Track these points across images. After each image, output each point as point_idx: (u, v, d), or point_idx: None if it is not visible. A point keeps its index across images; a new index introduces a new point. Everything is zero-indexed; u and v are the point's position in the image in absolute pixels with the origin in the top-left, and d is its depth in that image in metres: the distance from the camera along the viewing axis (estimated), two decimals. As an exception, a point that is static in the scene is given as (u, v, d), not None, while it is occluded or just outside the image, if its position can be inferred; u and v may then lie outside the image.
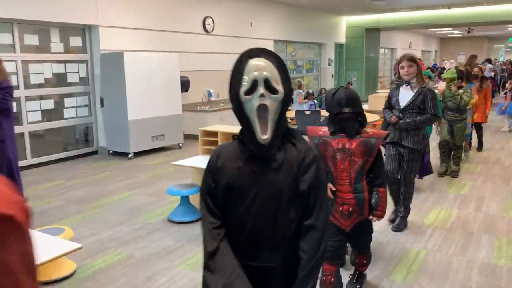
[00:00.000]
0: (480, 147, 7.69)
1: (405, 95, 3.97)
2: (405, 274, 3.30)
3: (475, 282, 3.18)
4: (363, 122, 2.62)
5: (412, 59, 3.89)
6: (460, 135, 5.82)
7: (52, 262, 2.95)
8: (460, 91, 5.64)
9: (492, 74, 13.16)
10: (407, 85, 3.94)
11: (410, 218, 4.30)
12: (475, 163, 6.76)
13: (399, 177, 4.10)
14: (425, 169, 5.44)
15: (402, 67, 3.97)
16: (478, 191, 5.38)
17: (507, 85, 12.85)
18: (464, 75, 6.06)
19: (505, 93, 10.59)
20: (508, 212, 4.64)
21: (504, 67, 17.98)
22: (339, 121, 2.61)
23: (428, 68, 19.65)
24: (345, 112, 2.55)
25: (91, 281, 3.28)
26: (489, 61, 15.17)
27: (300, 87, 10.98)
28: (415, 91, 3.87)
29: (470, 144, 7.28)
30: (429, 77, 4.54)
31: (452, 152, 6.00)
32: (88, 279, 3.32)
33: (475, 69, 7.41)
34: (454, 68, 6.56)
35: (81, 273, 3.40)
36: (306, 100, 10.48)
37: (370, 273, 3.29)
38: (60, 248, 2.69)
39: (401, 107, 3.95)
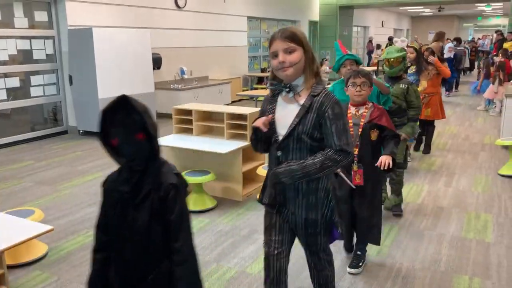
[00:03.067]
0: (427, 149, 6.09)
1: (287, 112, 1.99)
2: (379, 248, 3.36)
3: (445, 255, 3.28)
4: None
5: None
6: (401, 149, 3.73)
7: (23, 245, 2.87)
8: (403, 85, 3.86)
9: (451, 55, 11.82)
10: (288, 91, 1.95)
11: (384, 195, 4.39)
12: (445, 139, 6.92)
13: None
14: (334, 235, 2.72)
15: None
16: (448, 167, 5.52)
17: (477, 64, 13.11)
18: (418, 58, 5.35)
19: (479, 72, 10.78)
20: (477, 187, 4.78)
21: (468, 47, 16.11)
22: None
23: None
24: None
25: (64, 263, 3.22)
26: (458, 40, 13.80)
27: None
28: (301, 102, 1.91)
29: (418, 142, 6.15)
30: (357, 62, 3.31)
31: (389, 177, 4.05)
32: (60, 261, 3.25)
33: (425, 53, 6.16)
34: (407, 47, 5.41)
35: (54, 255, 3.33)
36: None
37: (344, 251, 3.34)
38: (31, 230, 2.62)
39: (279, 138, 1.97)
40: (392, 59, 3.86)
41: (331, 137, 1.87)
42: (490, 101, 9.54)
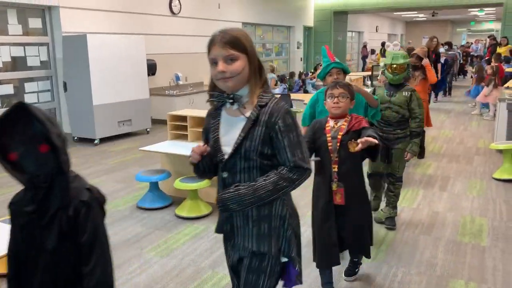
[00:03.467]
0: (421, 153, 6.11)
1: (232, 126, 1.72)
2: (375, 254, 3.36)
3: (441, 260, 3.27)
4: None
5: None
6: (402, 161, 3.71)
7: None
8: (406, 92, 3.64)
9: (443, 60, 12.04)
10: (232, 103, 1.67)
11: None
12: (440, 144, 6.94)
13: None
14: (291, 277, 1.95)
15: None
16: (443, 171, 5.53)
17: (470, 68, 13.17)
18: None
19: (471, 76, 10.85)
20: (472, 191, 4.79)
21: (460, 51, 16.22)
22: None
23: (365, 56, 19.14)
24: None
25: (58, 271, 3.18)
26: (449, 44, 13.78)
27: (273, 71, 10.95)
28: (247, 115, 1.65)
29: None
30: (344, 71, 3.14)
31: (386, 187, 3.93)
32: (54, 269, 3.21)
33: (411, 59, 5.57)
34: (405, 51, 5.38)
35: (47, 264, 3.29)
36: (278, 83, 10.50)
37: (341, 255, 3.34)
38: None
39: (224, 157, 1.69)
40: (396, 66, 3.61)
41: (284, 153, 1.59)
42: (484, 105, 9.61)
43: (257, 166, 1.62)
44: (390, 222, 3.82)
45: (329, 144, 2.58)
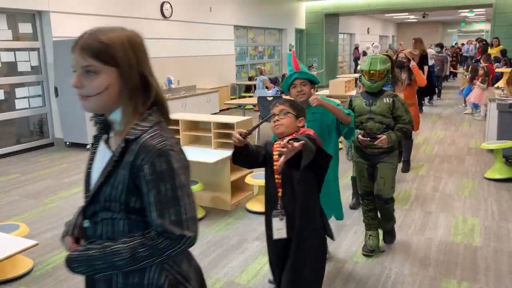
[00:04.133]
0: (406, 165, 5.57)
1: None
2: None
3: (434, 260, 3.29)
4: None
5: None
6: (390, 179, 3.22)
7: (8, 260, 2.82)
8: (387, 98, 3.19)
9: (432, 61, 10.91)
10: (101, 130, 1.36)
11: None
12: (432, 144, 6.98)
13: None
14: None
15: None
16: (435, 171, 5.56)
17: (461, 69, 13.23)
18: (392, 67, 4.44)
19: (465, 76, 10.90)
20: (464, 191, 4.82)
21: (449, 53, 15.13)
22: None
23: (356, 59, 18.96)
24: None
25: (50, 278, 3.16)
26: (441, 46, 13.39)
27: (261, 73, 10.96)
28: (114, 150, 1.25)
29: (406, 160, 5.61)
30: (311, 81, 2.81)
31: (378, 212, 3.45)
32: (46, 276, 3.20)
33: (401, 55, 5.52)
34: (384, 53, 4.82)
35: (39, 270, 3.27)
36: (272, 85, 10.52)
37: (333, 256, 3.34)
38: (15, 245, 2.58)
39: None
40: (374, 72, 3.13)
41: (150, 211, 1.18)
42: (475, 105, 9.69)
43: (123, 219, 1.22)
44: (389, 238, 3.54)
45: (275, 163, 2.16)
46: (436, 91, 11.91)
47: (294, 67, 2.79)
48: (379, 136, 3.07)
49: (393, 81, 4.60)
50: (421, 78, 5.45)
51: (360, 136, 3.14)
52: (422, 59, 8.54)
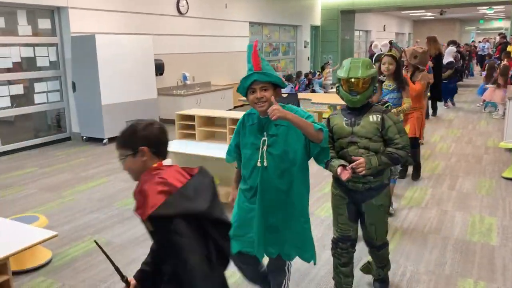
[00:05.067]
0: (416, 173, 5.10)
1: None
2: (383, 252, 3.35)
3: (450, 259, 3.26)
4: None
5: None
6: (382, 224, 2.59)
7: (27, 251, 2.88)
8: (375, 116, 2.42)
9: (449, 59, 9.95)
10: None
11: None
12: (448, 143, 6.90)
13: None
14: None
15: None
16: (452, 170, 5.50)
17: (478, 68, 13.00)
18: (398, 70, 4.04)
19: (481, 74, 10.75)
20: (481, 190, 4.76)
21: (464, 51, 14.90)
22: None
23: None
24: None
25: (68, 269, 3.22)
26: (454, 43, 12.23)
27: (276, 70, 10.96)
28: None
29: (404, 169, 5.07)
30: (276, 85, 2.17)
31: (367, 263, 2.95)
32: (64, 267, 3.25)
33: (405, 53, 5.01)
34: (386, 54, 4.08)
35: (58, 261, 3.33)
36: (286, 82, 10.51)
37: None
38: (35, 236, 2.62)
39: None
40: (355, 81, 2.33)
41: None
42: (488, 103, 9.58)
43: None
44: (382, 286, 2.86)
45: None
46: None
47: (254, 64, 2.15)
48: (355, 158, 2.32)
49: (400, 85, 4.00)
50: (413, 89, 4.59)
51: (338, 170, 2.32)
52: (438, 59, 8.26)
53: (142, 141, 1.66)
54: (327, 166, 2.39)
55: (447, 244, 3.50)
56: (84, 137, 7.48)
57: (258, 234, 2.26)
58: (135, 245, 3.58)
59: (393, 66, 3.99)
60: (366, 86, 2.35)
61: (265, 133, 2.23)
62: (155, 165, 1.67)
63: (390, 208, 3.96)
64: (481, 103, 10.16)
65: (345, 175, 2.30)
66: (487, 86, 9.20)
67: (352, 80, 2.34)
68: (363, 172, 2.29)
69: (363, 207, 2.49)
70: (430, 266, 3.16)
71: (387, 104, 3.20)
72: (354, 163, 2.30)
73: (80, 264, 3.29)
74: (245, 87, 2.17)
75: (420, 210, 4.21)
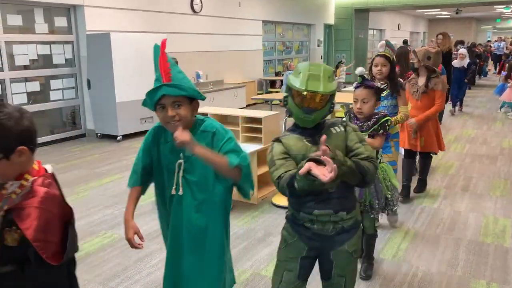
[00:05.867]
0: (421, 185, 4.62)
1: None
2: (395, 252, 3.34)
3: (462, 260, 3.24)
4: None
5: None
6: (352, 277, 1.99)
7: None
8: (338, 128, 1.88)
9: (465, 63, 8.94)
10: None
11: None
12: (463, 143, 6.83)
13: None
14: None
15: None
16: (466, 171, 5.45)
17: (492, 69, 12.78)
18: (392, 73, 3.53)
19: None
20: (495, 191, 4.71)
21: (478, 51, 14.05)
22: None
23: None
24: None
25: (82, 264, 3.27)
26: (462, 43, 11.54)
27: (288, 68, 10.94)
28: None
29: (406, 184, 4.44)
30: (191, 97, 1.85)
31: None
32: (79, 262, 3.27)
33: (411, 55, 4.52)
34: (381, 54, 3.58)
35: (72, 256, 3.39)
36: None
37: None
38: (50, 231, 2.67)
39: None
40: (314, 95, 1.73)
41: None
42: (505, 104, 9.43)
43: None
44: None
45: None
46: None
47: (162, 73, 1.75)
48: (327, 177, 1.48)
49: (394, 90, 3.52)
50: (442, 102, 4.18)
51: (315, 170, 1.51)
52: (448, 58, 7.90)
53: (18, 139, 1.37)
54: (289, 184, 1.66)
55: (460, 245, 3.48)
56: (99, 134, 7.57)
57: (166, 285, 1.93)
58: (149, 241, 3.62)
59: (386, 68, 3.50)
60: (324, 104, 1.78)
61: (181, 154, 1.82)
62: (36, 167, 1.45)
63: (396, 222, 3.78)
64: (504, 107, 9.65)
65: (330, 170, 1.47)
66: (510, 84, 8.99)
67: (310, 94, 1.73)
68: (334, 174, 1.46)
69: (332, 256, 1.89)
70: (443, 267, 3.14)
71: (386, 118, 2.70)
72: (328, 167, 1.49)
73: (94, 259, 3.35)
74: (154, 101, 1.75)
75: (433, 211, 4.18)
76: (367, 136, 2.66)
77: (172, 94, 1.71)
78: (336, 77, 12.39)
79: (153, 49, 1.84)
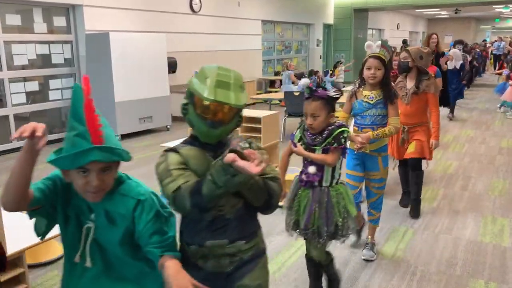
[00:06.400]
0: (415, 208, 4.03)
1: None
2: (393, 252, 3.35)
3: (461, 259, 3.25)
4: None
5: None
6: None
7: (42, 245, 2.93)
8: (243, 145, 1.58)
9: (457, 64, 8.34)
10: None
11: (399, 198, 4.38)
12: (462, 143, 6.84)
13: None
14: None
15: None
16: (465, 170, 5.46)
17: (492, 69, 12.83)
18: (386, 77, 2.99)
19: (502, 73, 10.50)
20: (494, 191, 4.72)
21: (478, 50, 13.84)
22: None
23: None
24: None
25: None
26: (461, 43, 10.71)
27: (287, 68, 10.94)
28: None
29: (407, 191, 4.23)
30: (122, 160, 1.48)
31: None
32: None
33: (402, 55, 3.89)
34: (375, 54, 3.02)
35: (71, 256, 3.39)
36: (298, 80, 10.48)
37: (359, 252, 3.34)
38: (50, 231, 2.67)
39: None
40: (222, 106, 1.48)
41: None
42: (504, 103, 9.44)
43: None
44: None
45: None
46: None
47: (90, 130, 1.35)
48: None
49: (388, 97, 2.98)
50: (437, 106, 3.84)
51: (241, 163, 1.33)
52: (439, 58, 7.41)
53: None
54: (193, 190, 1.46)
55: (458, 244, 3.49)
56: (98, 134, 7.56)
57: None
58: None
59: (381, 72, 2.95)
60: (232, 117, 1.54)
61: (93, 214, 1.45)
62: None
63: (373, 257, 3.25)
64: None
65: (257, 164, 1.30)
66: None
67: (220, 105, 1.47)
68: (264, 166, 1.32)
69: None
70: (441, 266, 3.15)
71: (341, 130, 2.31)
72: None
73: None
74: (75, 166, 1.35)
75: (432, 210, 4.19)
76: (320, 151, 2.32)
77: (105, 161, 1.34)
78: (335, 77, 12.38)
79: (72, 92, 1.37)
